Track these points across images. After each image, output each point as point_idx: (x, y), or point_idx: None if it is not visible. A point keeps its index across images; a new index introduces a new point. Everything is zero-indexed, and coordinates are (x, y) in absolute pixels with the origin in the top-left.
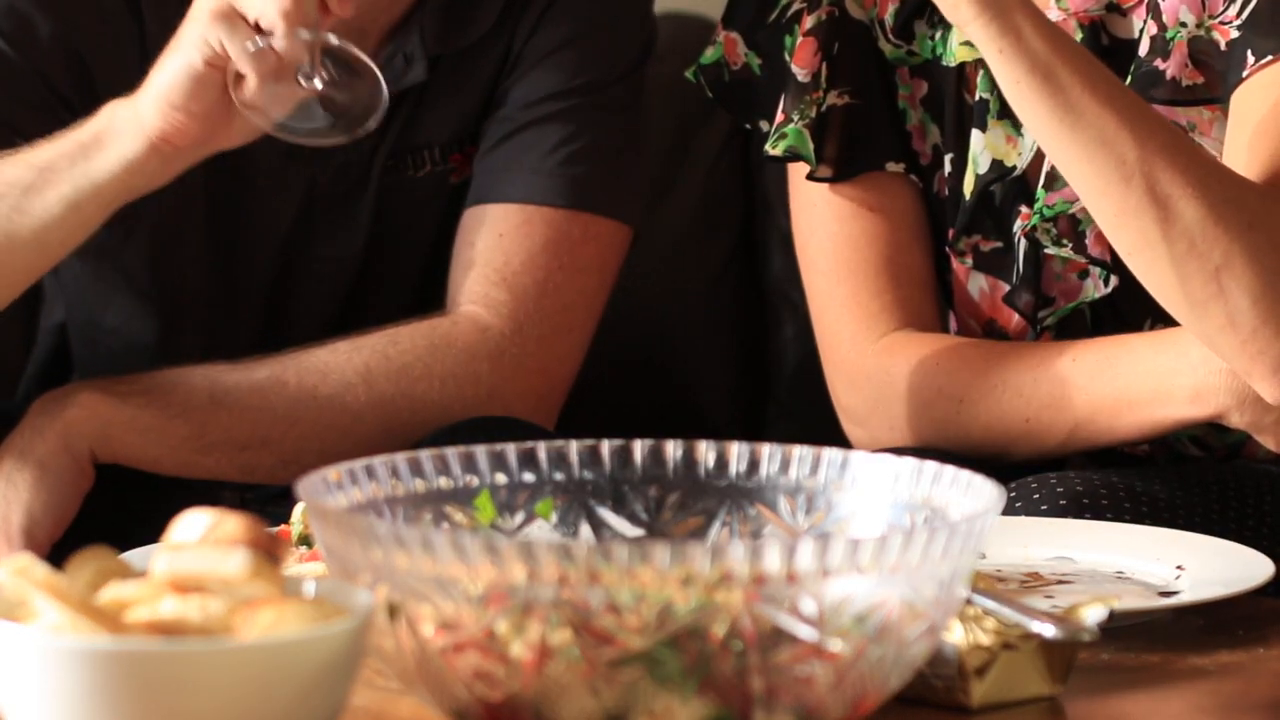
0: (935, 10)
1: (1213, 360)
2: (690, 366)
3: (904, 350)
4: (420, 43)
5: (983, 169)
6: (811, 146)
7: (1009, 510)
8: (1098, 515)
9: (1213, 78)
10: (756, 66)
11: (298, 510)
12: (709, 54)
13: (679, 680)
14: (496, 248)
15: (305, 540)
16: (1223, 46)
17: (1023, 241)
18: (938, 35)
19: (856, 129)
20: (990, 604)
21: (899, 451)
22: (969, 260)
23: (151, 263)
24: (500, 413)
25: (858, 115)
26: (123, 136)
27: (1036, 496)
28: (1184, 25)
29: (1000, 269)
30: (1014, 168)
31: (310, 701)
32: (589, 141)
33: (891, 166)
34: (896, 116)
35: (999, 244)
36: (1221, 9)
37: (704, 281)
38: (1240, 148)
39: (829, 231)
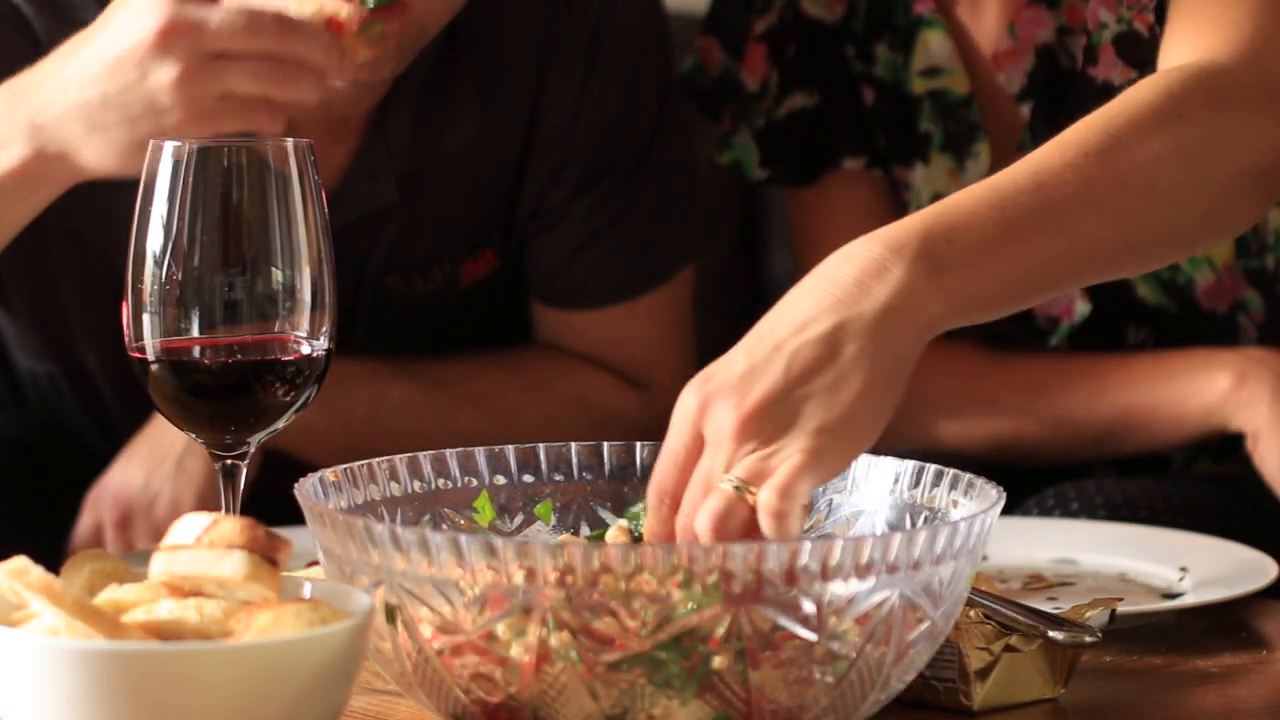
0: (897, 34)
1: (1248, 376)
2: None
3: (926, 356)
4: (388, 159)
5: (924, 203)
6: (757, 157)
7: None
8: (1136, 523)
9: (1145, 69)
10: (735, 69)
11: None
12: (688, 62)
13: (678, 682)
14: (621, 349)
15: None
16: (1145, 35)
17: None
18: (900, 60)
19: (818, 128)
20: (992, 606)
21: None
22: None
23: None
24: None
25: (820, 115)
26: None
27: (1076, 506)
28: (1105, 26)
29: None
30: None
31: (308, 704)
32: (663, 205)
33: (850, 163)
34: (862, 113)
35: None
36: None
37: (704, 281)
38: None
39: (830, 241)
